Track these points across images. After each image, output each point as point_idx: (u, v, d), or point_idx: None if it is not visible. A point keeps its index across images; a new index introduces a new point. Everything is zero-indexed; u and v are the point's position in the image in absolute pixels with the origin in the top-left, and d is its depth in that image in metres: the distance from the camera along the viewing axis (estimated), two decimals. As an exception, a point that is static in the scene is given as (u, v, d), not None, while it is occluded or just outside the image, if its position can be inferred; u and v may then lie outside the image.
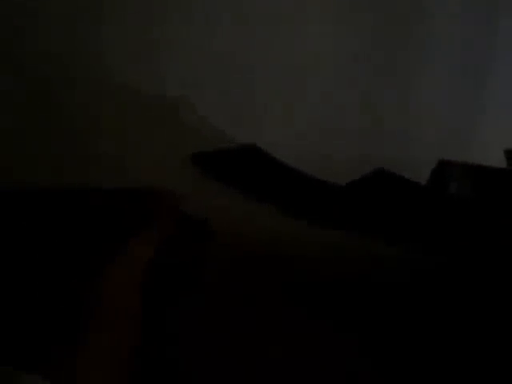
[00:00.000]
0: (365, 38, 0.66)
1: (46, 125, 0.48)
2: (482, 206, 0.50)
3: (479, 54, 0.72)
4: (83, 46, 0.52)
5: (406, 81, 0.70)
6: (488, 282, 0.42)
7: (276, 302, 0.41)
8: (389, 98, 0.69)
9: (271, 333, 0.38)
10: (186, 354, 0.36)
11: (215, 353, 0.37)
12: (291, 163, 0.54)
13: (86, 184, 0.40)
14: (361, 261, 0.45)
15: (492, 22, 0.72)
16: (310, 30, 0.63)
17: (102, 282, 0.29)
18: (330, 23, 0.64)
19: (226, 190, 0.49)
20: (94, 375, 0.27)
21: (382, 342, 0.39)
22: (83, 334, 0.27)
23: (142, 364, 0.32)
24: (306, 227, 0.47)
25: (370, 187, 0.53)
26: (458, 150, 0.61)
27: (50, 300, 0.29)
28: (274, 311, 0.40)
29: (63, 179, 0.45)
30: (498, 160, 0.58)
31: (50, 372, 0.26)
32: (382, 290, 0.42)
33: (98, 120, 0.51)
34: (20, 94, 0.50)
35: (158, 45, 0.55)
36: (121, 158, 0.49)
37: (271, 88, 0.60)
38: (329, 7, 0.64)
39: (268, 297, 0.41)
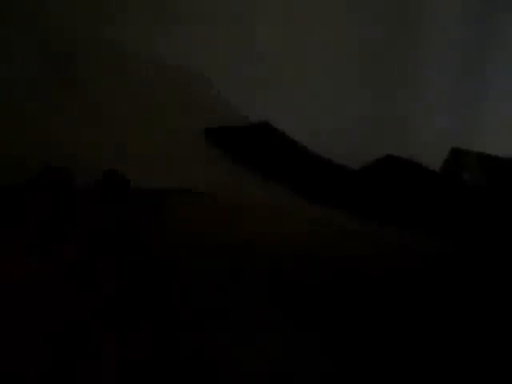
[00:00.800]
0: (365, 37, 0.66)
1: (46, 125, 0.49)
2: (495, 196, 0.50)
3: (479, 54, 0.72)
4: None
5: (406, 81, 0.70)
6: (497, 274, 0.42)
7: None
8: (389, 97, 0.69)
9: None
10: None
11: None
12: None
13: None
14: (365, 247, 0.45)
15: (492, 22, 0.72)
16: (309, 29, 0.63)
17: None
18: (330, 23, 0.64)
19: (237, 166, 0.49)
20: None
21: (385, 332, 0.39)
22: None
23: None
24: (308, 206, 0.47)
25: (382, 172, 0.53)
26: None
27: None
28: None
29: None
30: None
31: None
32: (386, 278, 0.42)
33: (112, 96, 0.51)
34: (20, 93, 0.50)
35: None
36: (135, 132, 0.49)
37: (271, 87, 0.60)
38: (329, 7, 0.64)
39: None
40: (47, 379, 0.30)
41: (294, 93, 0.63)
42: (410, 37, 0.69)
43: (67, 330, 0.31)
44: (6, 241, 0.33)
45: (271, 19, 0.62)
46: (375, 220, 0.47)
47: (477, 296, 0.40)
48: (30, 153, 0.47)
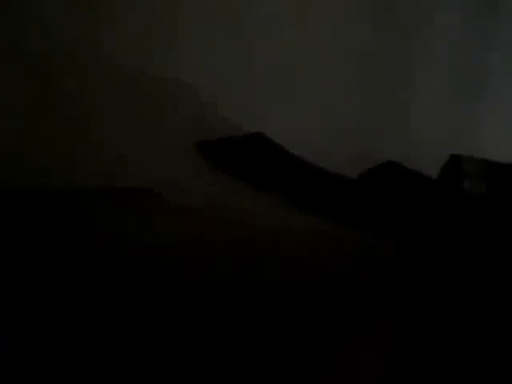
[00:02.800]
0: (364, 37, 0.66)
1: (46, 125, 0.49)
2: (494, 203, 0.49)
3: (479, 54, 0.72)
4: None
5: (406, 81, 0.69)
6: (497, 281, 0.41)
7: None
8: (389, 97, 0.68)
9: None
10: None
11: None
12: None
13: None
14: (361, 257, 0.44)
15: (492, 22, 0.71)
16: (309, 29, 0.63)
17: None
18: (330, 23, 0.64)
19: (229, 179, 0.49)
20: None
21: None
22: None
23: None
24: (307, 220, 0.46)
25: (378, 180, 0.52)
26: (458, 150, 0.60)
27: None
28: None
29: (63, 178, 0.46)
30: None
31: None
32: (383, 288, 0.41)
33: (100, 111, 0.52)
34: (20, 93, 0.51)
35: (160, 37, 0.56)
36: (123, 148, 0.49)
37: (271, 86, 0.60)
38: (329, 7, 0.64)
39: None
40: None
41: (293, 95, 0.63)
42: (410, 37, 0.69)
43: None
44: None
45: (271, 19, 0.62)
46: (371, 230, 0.46)
47: (477, 301, 0.39)
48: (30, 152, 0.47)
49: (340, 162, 0.56)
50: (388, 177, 0.54)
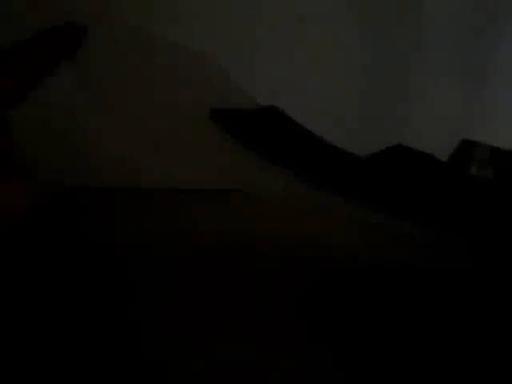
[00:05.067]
0: (364, 36, 0.66)
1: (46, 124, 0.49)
2: (503, 188, 0.49)
3: (479, 54, 0.72)
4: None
5: (406, 80, 0.70)
6: (505, 269, 0.41)
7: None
8: (389, 97, 0.69)
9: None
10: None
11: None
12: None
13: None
14: (373, 238, 0.44)
15: (492, 22, 0.71)
16: (310, 29, 0.63)
17: None
18: (329, 23, 0.64)
19: (243, 149, 0.49)
20: None
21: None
22: None
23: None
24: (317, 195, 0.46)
25: (390, 161, 0.53)
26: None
27: None
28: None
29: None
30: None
31: None
32: (392, 271, 0.42)
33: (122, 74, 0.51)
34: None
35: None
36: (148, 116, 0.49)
37: (271, 87, 0.60)
38: (329, 8, 0.64)
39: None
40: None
41: (294, 93, 0.62)
42: (409, 37, 0.69)
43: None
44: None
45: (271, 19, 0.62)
46: (382, 209, 0.46)
47: (485, 291, 0.40)
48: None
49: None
50: (399, 157, 0.54)
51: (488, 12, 0.70)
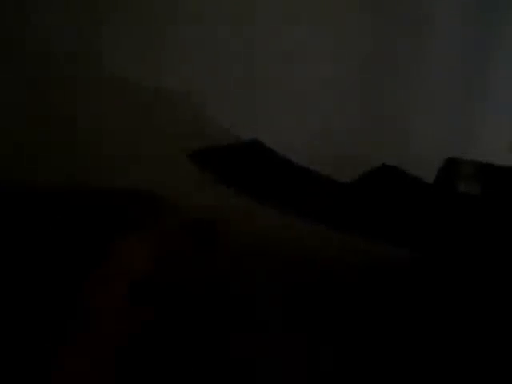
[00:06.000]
0: (365, 38, 0.67)
1: (46, 125, 0.49)
2: (490, 206, 0.49)
3: (479, 54, 0.72)
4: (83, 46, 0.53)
5: (406, 81, 0.70)
6: (495, 285, 0.41)
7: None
8: (389, 98, 0.69)
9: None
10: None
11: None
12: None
13: (85, 183, 0.40)
14: (361, 262, 0.44)
15: (492, 22, 0.72)
16: (310, 29, 0.63)
17: (86, 284, 0.29)
18: (330, 24, 0.65)
19: (225, 188, 0.49)
20: (79, 374, 0.27)
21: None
22: (69, 334, 0.27)
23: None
24: (305, 227, 0.46)
25: (374, 185, 0.52)
26: (458, 150, 0.60)
27: (37, 301, 0.29)
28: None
29: (63, 178, 0.45)
30: (499, 160, 0.58)
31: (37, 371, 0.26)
32: (379, 293, 0.41)
33: (99, 118, 0.51)
34: (20, 93, 0.50)
35: (159, 43, 0.56)
36: (122, 157, 0.49)
37: (271, 88, 0.60)
38: (329, 8, 0.64)
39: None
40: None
41: (293, 98, 0.63)
42: (409, 37, 0.69)
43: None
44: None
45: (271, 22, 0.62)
46: (368, 234, 0.46)
47: (475, 302, 0.39)
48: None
49: (340, 162, 0.56)
50: (384, 181, 0.54)
51: (488, 11, 0.71)
